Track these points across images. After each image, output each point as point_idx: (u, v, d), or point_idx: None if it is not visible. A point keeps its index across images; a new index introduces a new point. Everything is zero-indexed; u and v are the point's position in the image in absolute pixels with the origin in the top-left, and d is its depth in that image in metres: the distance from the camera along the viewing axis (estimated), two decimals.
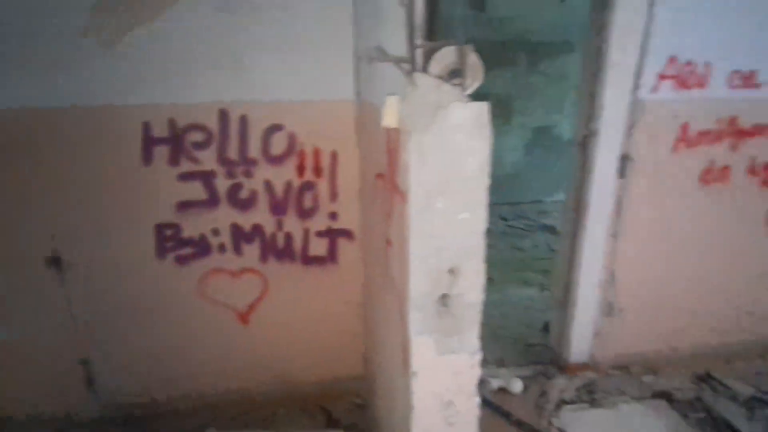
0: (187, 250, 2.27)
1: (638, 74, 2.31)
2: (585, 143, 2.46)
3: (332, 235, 2.39)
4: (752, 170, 2.55)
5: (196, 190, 2.20)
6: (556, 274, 2.87)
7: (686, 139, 2.44)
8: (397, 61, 1.19)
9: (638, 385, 2.67)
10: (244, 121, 2.15)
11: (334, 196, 2.33)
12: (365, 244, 2.33)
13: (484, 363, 2.86)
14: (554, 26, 5.27)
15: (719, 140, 2.48)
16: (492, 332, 3.28)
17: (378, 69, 1.65)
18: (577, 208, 2.56)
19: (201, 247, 2.27)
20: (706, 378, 2.74)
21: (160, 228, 2.22)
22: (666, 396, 2.59)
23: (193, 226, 2.24)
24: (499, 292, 3.91)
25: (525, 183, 5.89)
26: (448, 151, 1.11)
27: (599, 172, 2.44)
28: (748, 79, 2.40)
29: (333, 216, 2.36)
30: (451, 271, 1.23)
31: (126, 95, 2.04)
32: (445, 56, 1.33)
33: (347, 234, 2.40)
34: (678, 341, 2.82)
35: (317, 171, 2.28)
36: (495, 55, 5.33)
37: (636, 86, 2.33)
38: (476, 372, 1.33)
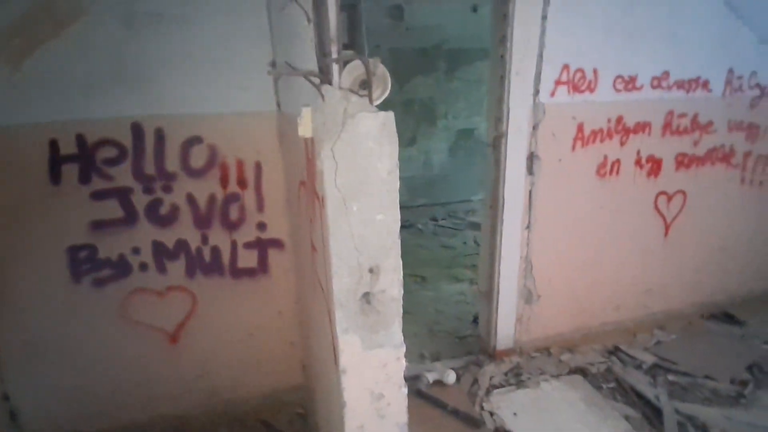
0: (105, 272, 2.16)
1: (538, 80, 2.55)
2: (496, 144, 2.66)
3: (262, 245, 2.39)
4: (638, 162, 2.90)
5: (111, 209, 2.11)
6: (481, 267, 3.05)
7: (582, 137, 2.72)
8: (306, 74, 1.25)
9: (557, 363, 2.92)
10: (160, 134, 2.10)
11: (261, 206, 2.33)
12: (296, 252, 2.35)
13: (421, 358, 3.02)
14: (470, 34, 5.60)
15: (610, 137, 2.79)
16: (428, 329, 3.42)
17: (294, 81, 1.70)
18: (494, 204, 2.76)
19: (120, 268, 2.18)
20: (614, 351, 3.05)
21: (73, 250, 2.10)
22: (581, 371, 2.85)
23: (110, 246, 2.15)
24: (433, 290, 4.08)
25: (453, 183, 6.18)
26: (360, 157, 1.18)
27: (510, 170, 2.65)
28: (629, 83, 2.73)
29: (261, 226, 2.36)
30: (372, 270, 1.30)
31: (31, 113, 1.93)
32: (355, 68, 1.41)
33: (277, 243, 2.41)
34: (589, 320, 3.11)
35: (242, 182, 2.27)
36: (417, 63, 5.58)
37: (536, 91, 2.56)
38: (402, 363, 1.41)
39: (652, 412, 2.52)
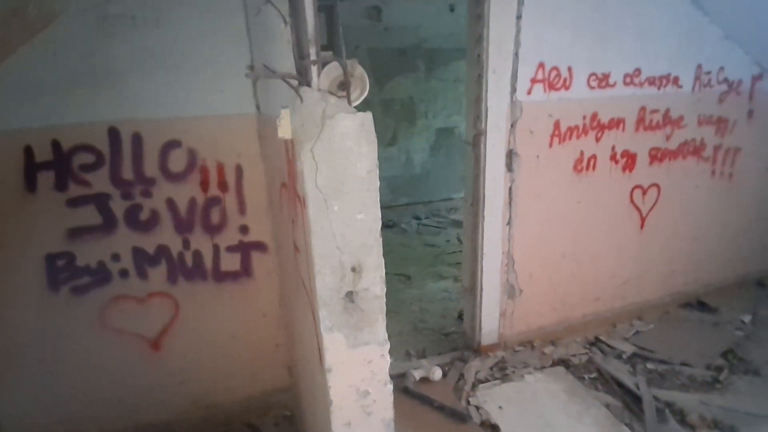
0: (84, 280, 2.13)
1: (514, 79, 2.59)
2: (476, 142, 2.70)
3: (244, 248, 2.38)
4: (614, 157, 2.98)
5: (89, 215, 2.08)
6: (464, 264, 3.09)
7: (559, 134, 2.78)
8: (284, 76, 1.26)
9: (540, 356, 2.97)
10: (137, 138, 2.07)
11: (242, 209, 2.32)
12: (279, 254, 2.35)
13: (407, 356, 3.04)
14: (447, 34, 5.65)
15: (586, 134, 2.86)
16: (413, 327, 3.45)
17: (273, 83, 1.70)
18: (475, 201, 2.80)
19: (99, 275, 2.15)
20: (595, 342, 3.13)
21: (51, 258, 2.06)
22: (564, 362, 2.91)
23: (88, 254, 2.11)
24: (418, 288, 4.10)
25: (434, 182, 6.22)
26: (339, 157, 1.19)
27: (490, 167, 2.69)
28: (602, 80, 2.80)
29: (243, 229, 2.35)
30: (354, 269, 1.31)
31: (5, 120, 1.89)
32: (333, 70, 1.42)
33: (260, 246, 2.40)
34: (570, 312, 3.18)
35: (222, 185, 2.26)
36: (395, 62, 5.60)
37: (513, 89, 2.61)
38: (387, 360, 1.42)
39: (632, 400, 2.59)
